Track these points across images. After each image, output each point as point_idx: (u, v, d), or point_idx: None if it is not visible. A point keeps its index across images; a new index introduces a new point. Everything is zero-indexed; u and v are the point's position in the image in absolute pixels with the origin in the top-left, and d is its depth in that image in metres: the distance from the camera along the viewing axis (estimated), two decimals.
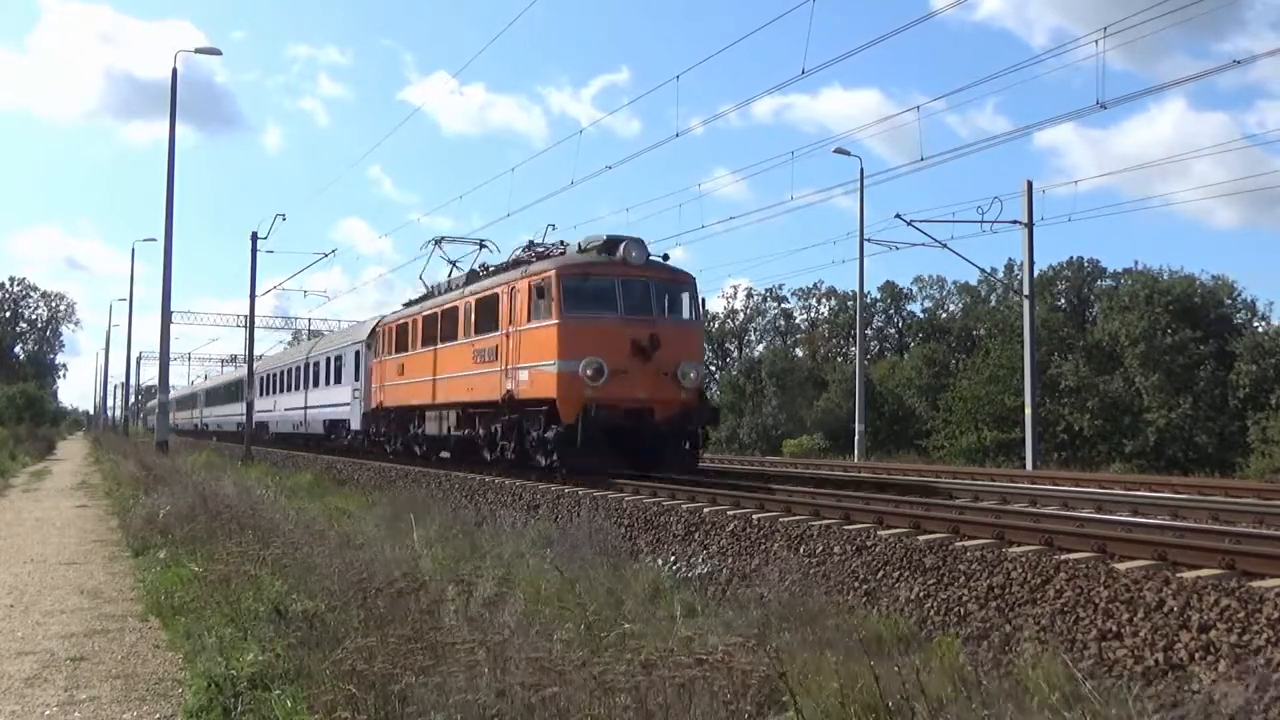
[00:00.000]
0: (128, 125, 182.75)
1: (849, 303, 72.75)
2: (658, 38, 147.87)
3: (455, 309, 20.41)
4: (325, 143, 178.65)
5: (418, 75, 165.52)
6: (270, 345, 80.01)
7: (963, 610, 7.51)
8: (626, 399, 15.85)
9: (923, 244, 30.59)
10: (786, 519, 10.57)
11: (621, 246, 16.62)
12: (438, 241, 25.12)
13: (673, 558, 9.91)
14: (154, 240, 70.70)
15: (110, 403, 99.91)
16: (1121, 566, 7.26)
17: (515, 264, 18.85)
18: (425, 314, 22.31)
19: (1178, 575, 6.88)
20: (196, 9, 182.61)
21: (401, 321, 24.08)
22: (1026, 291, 29.72)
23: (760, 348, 79.77)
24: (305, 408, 34.13)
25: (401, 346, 23.64)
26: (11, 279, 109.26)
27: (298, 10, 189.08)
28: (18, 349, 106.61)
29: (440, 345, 20.87)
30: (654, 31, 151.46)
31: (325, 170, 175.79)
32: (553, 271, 16.38)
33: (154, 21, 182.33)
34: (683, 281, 17.46)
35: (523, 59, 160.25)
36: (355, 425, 27.77)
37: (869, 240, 33.52)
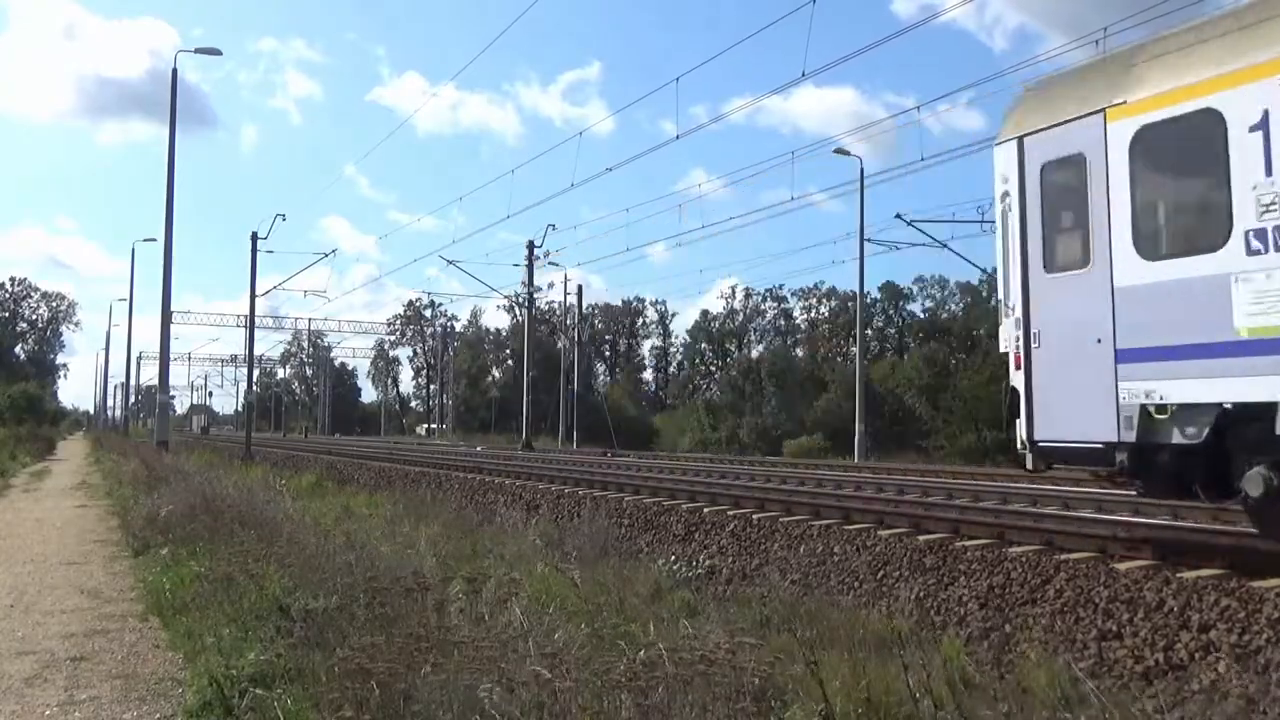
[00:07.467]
0: (101, 125, 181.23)
1: (849, 303, 72.76)
2: (632, 30, 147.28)
3: None
4: (301, 141, 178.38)
5: (390, 71, 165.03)
6: (270, 346, 79.67)
7: (963, 610, 7.52)
8: None
9: (923, 244, 30.71)
10: (787, 519, 10.56)
11: None
12: None
13: (673, 557, 9.91)
14: (154, 240, 70.60)
15: (110, 402, 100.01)
16: (1121, 566, 7.26)
17: None
18: None
19: (1178, 575, 6.88)
20: (160, 4, 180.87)
21: None
22: None
23: (760, 348, 79.89)
24: None
25: None
26: (12, 279, 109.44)
27: (259, 3, 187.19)
28: (18, 349, 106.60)
29: None
30: (628, 24, 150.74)
31: (303, 169, 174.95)
32: None
33: (121, 20, 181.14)
34: None
35: (491, 54, 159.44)
36: None
37: (869, 240, 33.62)
